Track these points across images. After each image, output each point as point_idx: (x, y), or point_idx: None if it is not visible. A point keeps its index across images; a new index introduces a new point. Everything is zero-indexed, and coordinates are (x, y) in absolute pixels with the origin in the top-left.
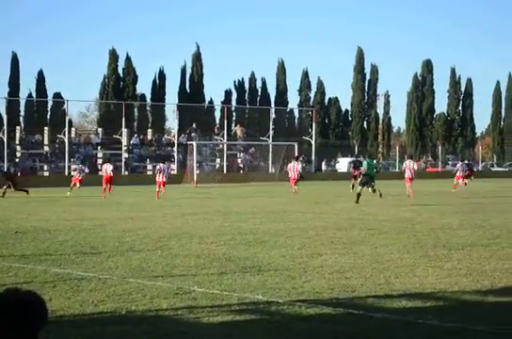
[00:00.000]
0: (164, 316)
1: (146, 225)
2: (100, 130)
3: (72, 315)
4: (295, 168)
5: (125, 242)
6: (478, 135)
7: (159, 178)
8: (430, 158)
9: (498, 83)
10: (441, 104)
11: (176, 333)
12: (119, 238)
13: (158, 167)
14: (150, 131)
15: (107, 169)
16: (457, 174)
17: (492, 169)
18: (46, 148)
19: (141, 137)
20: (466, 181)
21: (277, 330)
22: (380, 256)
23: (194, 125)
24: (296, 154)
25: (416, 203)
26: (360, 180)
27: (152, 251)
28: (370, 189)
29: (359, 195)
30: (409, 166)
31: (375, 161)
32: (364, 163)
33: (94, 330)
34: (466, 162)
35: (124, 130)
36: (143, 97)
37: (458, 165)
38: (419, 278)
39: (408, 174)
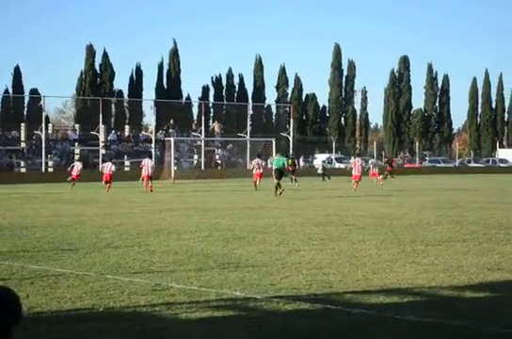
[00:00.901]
0: (142, 313)
1: (124, 221)
2: (77, 126)
3: (49, 312)
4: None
5: (103, 238)
6: (455, 131)
7: (145, 172)
8: (408, 154)
9: (474, 79)
10: (418, 101)
11: (154, 330)
12: (96, 235)
13: (143, 162)
14: (127, 127)
15: (107, 168)
16: (371, 172)
17: (469, 164)
18: (23, 144)
19: (119, 133)
20: (381, 177)
21: (255, 326)
22: (358, 252)
23: (172, 121)
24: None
25: (392, 199)
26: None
27: (130, 248)
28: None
29: (276, 188)
30: (357, 163)
31: (282, 157)
32: (273, 160)
33: (72, 326)
34: (386, 158)
35: (102, 126)
36: (120, 93)
37: (370, 162)
38: (396, 273)
39: (355, 171)
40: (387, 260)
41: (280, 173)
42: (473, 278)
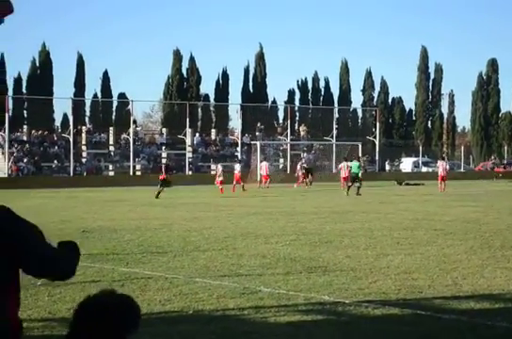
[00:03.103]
0: (231, 316)
1: (211, 225)
2: (164, 130)
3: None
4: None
5: (191, 242)
6: None
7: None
8: (497, 158)
9: None
10: (507, 104)
11: (243, 333)
12: (184, 238)
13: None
14: (213, 131)
15: (236, 169)
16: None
17: None
18: (111, 148)
19: (205, 136)
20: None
21: (344, 330)
22: (447, 257)
23: (259, 125)
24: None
25: (481, 204)
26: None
27: (218, 251)
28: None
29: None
30: (344, 166)
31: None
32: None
33: (162, 328)
34: (304, 165)
35: (188, 130)
36: (207, 97)
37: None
38: (487, 279)
39: (343, 174)
40: (477, 265)
41: (354, 178)
42: None
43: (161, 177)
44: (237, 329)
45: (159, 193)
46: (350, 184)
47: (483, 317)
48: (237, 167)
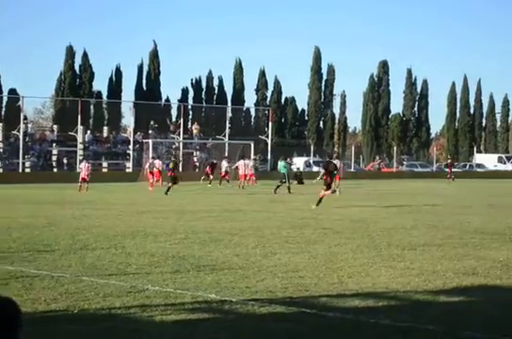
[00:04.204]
0: (117, 315)
1: (100, 223)
2: (55, 127)
3: (23, 314)
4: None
5: (79, 240)
6: (433, 135)
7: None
8: (385, 158)
9: (453, 84)
10: (397, 105)
11: (128, 332)
12: (72, 236)
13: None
14: (105, 128)
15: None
16: (241, 173)
17: (446, 169)
18: (0, 144)
19: (97, 134)
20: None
21: (229, 328)
22: (334, 256)
23: (152, 123)
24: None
25: (369, 203)
26: None
27: (106, 250)
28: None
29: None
30: (241, 163)
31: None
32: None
33: (46, 328)
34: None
35: (80, 127)
36: (99, 94)
37: (241, 162)
38: (372, 277)
39: (242, 172)
40: (363, 264)
41: (282, 178)
42: (448, 282)
43: (169, 174)
44: (123, 327)
45: (168, 189)
46: (280, 183)
47: (367, 315)
48: (224, 163)
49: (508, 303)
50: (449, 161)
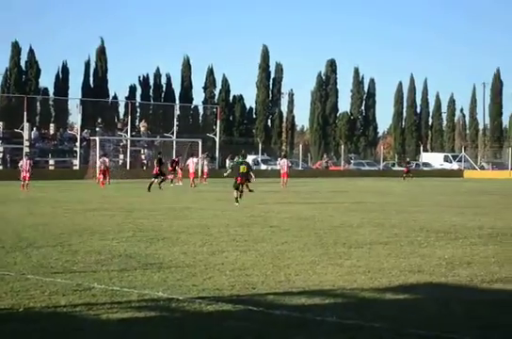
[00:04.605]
0: (62, 313)
1: (47, 221)
2: (0, 124)
3: None
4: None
5: (25, 238)
6: (380, 134)
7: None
8: (333, 157)
9: (400, 84)
10: (345, 104)
11: (73, 330)
12: (18, 234)
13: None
14: (52, 125)
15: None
16: (191, 171)
17: (393, 168)
18: None
19: (43, 131)
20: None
21: (176, 326)
22: (281, 254)
23: (99, 120)
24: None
25: (317, 201)
26: None
27: (53, 247)
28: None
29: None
30: (191, 162)
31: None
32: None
33: None
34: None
35: (26, 124)
36: (46, 91)
37: (190, 160)
38: (319, 275)
39: (191, 169)
40: (310, 262)
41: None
42: (394, 280)
43: (155, 171)
44: (68, 326)
45: (151, 185)
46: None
47: (313, 312)
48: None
49: (453, 301)
50: (407, 160)
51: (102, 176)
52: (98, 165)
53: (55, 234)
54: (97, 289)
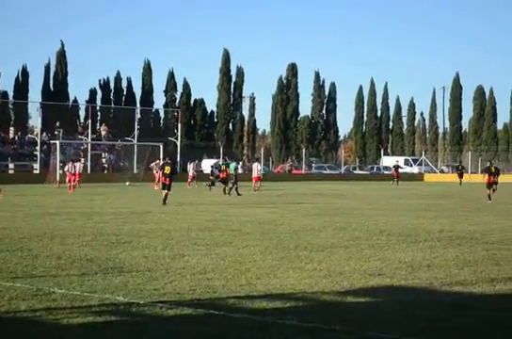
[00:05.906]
0: (22, 318)
1: (6, 225)
2: None
3: None
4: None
5: None
6: (341, 138)
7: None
8: (295, 160)
9: (360, 88)
10: (306, 108)
11: (33, 335)
12: None
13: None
14: (12, 129)
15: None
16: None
17: (355, 171)
18: None
19: (2, 135)
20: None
21: (135, 331)
22: (243, 257)
23: (59, 123)
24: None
25: (278, 205)
26: None
27: (12, 252)
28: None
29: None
30: (256, 168)
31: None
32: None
33: None
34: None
35: None
36: (5, 94)
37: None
38: (280, 279)
39: (254, 174)
40: (271, 265)
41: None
42: (355, 283)
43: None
44: (27, 331)
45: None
46: (232, 185)
47: (274, 316)
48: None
49: (413, 303)
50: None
51: (71, 181)
52: (67, 169)
53: (14, 238)
54: (57, 294)
